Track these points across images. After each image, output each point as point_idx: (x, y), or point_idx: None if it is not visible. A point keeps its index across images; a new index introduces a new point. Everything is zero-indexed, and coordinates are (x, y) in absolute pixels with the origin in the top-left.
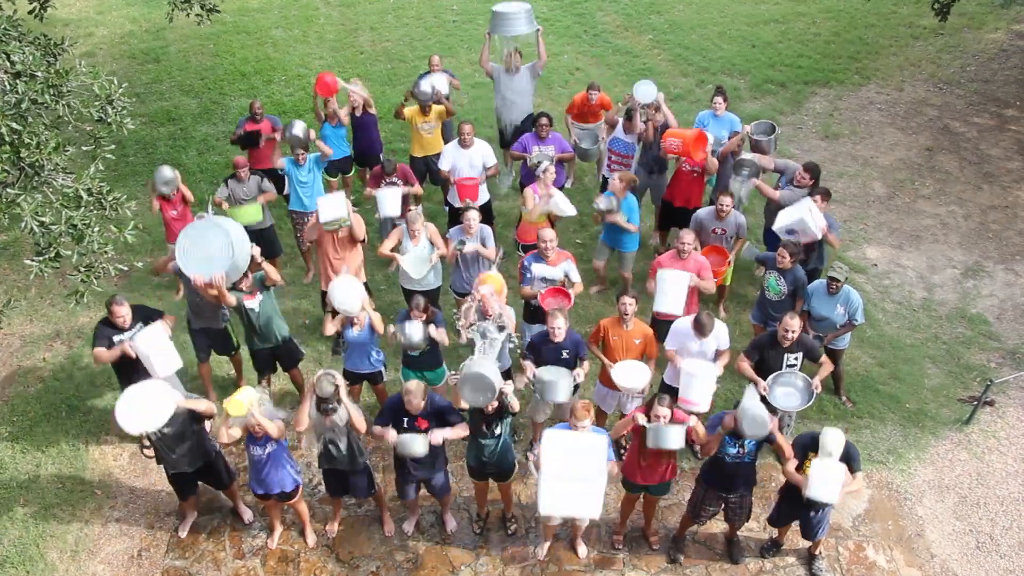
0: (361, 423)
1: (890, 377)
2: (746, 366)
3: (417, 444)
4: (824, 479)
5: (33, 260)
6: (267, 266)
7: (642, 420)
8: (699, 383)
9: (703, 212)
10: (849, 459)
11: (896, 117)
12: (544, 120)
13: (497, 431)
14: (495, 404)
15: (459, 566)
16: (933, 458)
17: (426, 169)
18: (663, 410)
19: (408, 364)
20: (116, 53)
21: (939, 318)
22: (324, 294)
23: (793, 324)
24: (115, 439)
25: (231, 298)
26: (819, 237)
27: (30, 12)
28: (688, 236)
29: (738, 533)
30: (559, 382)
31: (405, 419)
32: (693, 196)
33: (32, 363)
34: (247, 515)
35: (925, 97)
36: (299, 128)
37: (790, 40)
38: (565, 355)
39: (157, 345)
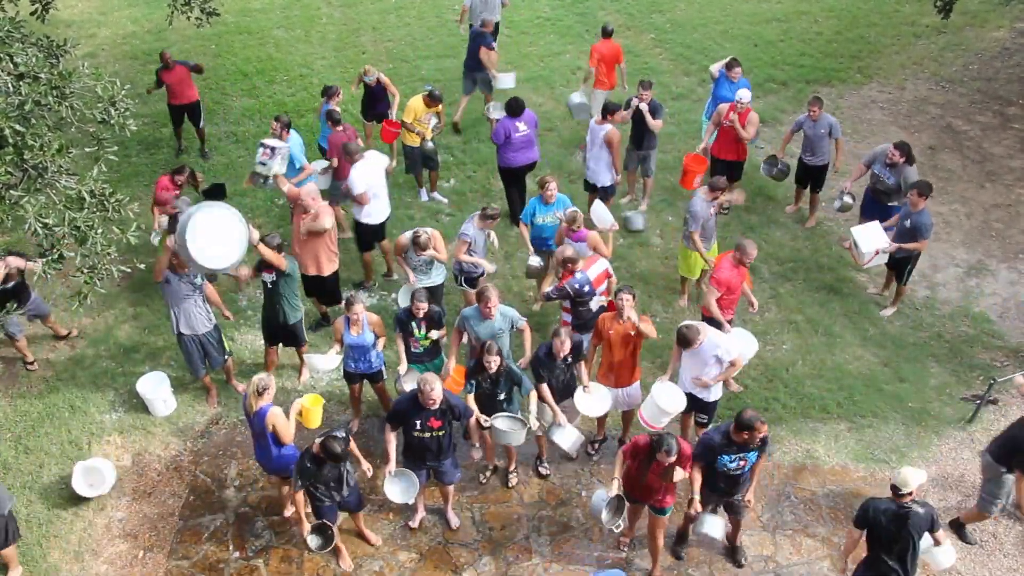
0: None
1: (893, 376)
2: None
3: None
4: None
5: (36, 261)
6: (265, 251)
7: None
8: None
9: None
10: None
11: (898, 116)
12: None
13: (501, 396)
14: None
15: (462, 566)
16: (936, 457)
17: (423, 156)
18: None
19: (410, 359)
20: (118, 54)
21: (942, 316)
22: (306, 278)
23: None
24: (117, 439)
25: (246, 270)
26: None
27: (32, 13)
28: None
29: (740, 536)
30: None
31: (418, 420)
32: (740, 149)
33: (35, 364)
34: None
35: (927, 96)
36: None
37: (792, 39)
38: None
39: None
